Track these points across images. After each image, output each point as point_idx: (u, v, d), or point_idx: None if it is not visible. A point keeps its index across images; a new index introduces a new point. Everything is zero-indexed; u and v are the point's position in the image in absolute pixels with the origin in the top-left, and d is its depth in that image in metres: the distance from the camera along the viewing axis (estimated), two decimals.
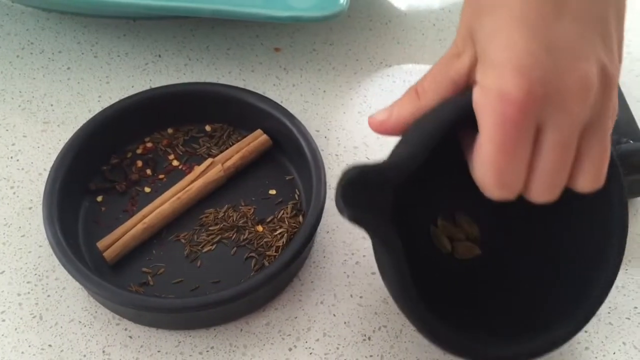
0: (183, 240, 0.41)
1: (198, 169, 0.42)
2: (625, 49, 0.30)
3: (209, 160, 0.42)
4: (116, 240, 0.39)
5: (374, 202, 0.30)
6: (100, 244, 0.39)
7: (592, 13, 0.28)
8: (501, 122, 0.27)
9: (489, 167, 0.28)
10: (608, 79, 0.28)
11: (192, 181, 0.41)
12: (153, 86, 0.50)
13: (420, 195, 0.39)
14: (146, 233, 0.40)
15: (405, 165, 0.30)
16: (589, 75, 0.27)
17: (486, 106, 0.27)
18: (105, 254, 0.39)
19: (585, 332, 0.38)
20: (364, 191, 0.30)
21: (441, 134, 0.30)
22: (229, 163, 0.42)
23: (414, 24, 0.55)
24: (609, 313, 0.39)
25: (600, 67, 0.27)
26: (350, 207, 0.29)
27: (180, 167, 0.44)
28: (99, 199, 0.42)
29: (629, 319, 0.39)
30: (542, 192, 0.29)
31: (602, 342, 0.38)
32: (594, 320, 0.39)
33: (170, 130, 0.45)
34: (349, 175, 0.29)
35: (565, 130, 0.27)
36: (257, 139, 0.44)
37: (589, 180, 0.29)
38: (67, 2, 0.46)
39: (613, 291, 0.40)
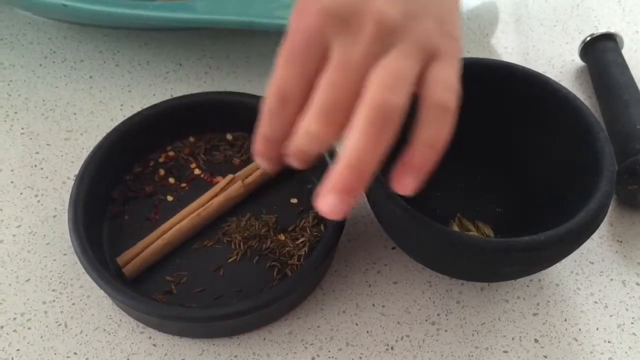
0: (206, 249, 0.41)
1: (219, 185, 0.42)
2: None
3: (230, 176, 0.42)
4: (136, 256, 0.39)
5: None
6: (120, 259, 0.39)
7: None
8: (292, 32, 0.27)
9: (273, 76, 0.27)
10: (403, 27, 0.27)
11: (212, 197, 0.41)
12: (174, 94, 0.50)
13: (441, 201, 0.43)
14: (166, 249, 0.40)
15: None
16: (388, 10, 0.26)
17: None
18: (124, 269, 0.39)
19: (609, 342, 0.38)
20: None
21: None
22: (249, 179, 0.42)
23: None
24: (632, 323, 0.39)
25: (406, 13, 0.27)
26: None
27: (202, 175, 0.44)
28: (122, 207, 0.43)
29: None
30: (316, 119, 0.26)
31: (626, 352, 0.38)
32: (617, 330, 0.39)
33: (191, 139, 0.46)
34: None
35: (350, 54, 0.26)
36: None
37: (365, 106, 0.26)
38: (88, 16, 0.46)
39: (636, 301, 0.40)
